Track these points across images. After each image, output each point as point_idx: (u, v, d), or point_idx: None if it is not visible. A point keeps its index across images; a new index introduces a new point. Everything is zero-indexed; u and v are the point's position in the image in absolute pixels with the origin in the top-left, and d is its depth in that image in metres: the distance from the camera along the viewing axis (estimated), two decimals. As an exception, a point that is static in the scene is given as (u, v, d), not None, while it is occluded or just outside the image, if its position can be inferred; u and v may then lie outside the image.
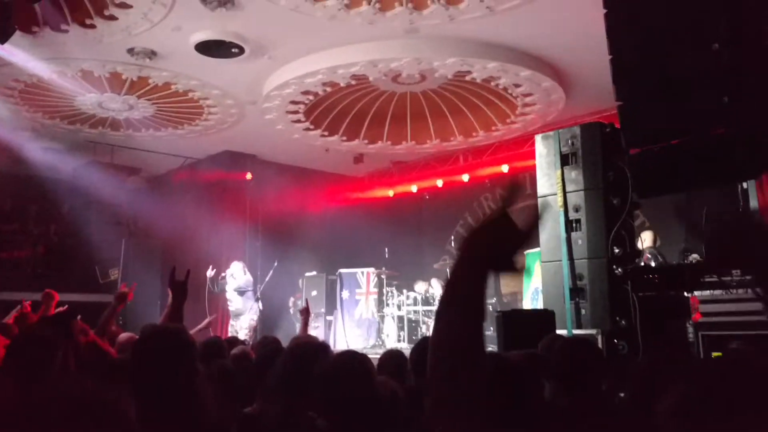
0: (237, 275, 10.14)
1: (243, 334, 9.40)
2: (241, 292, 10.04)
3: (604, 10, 5.15)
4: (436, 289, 10.96)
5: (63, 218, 12.47)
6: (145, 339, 2.65)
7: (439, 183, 12.51)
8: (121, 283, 11.45)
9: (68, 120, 10.56)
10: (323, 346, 3.05)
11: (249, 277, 10.26)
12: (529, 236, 1.23)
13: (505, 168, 11.34)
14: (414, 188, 12.93)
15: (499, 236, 1.23)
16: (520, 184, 1.30)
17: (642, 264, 7.09)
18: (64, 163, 11.55)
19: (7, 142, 10.23)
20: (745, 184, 6.61)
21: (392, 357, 4.02)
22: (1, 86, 9.10)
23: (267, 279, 10.26)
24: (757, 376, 1.06)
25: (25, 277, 11.69)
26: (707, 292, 5.28)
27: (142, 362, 2.41)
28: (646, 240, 8.13)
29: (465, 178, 12.00)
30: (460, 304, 1.21)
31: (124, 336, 4.77)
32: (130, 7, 7.18)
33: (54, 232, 12.74)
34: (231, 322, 10.13)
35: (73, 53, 8.18)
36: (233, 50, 8.17)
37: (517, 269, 1.25)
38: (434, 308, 10.47)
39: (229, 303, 10.16)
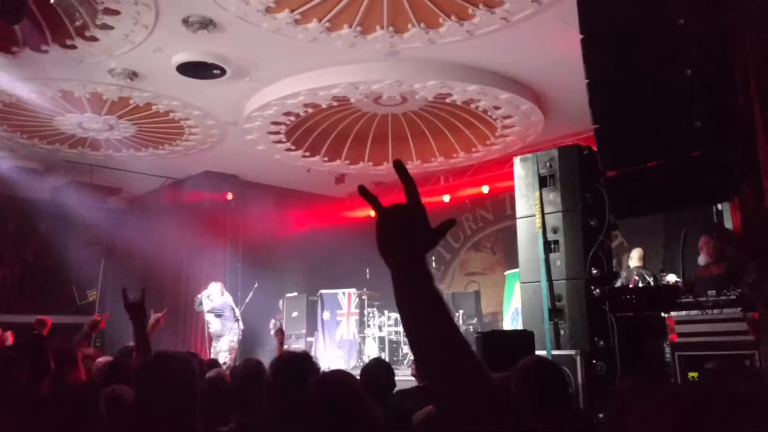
0: (214, 296, 10.08)
1: (223, 357, 9.32)
2: (218, 314, 9.96)
3: (581, 36, 5.27)
4: None
5: (41, 239, 12.32)
6: (153, 371, 2.52)
7: (421, 203, 12.53)
8: (98, 304, 11.36)
9: (47, 140, 10.49)
10: (306, 357, 3.06)
11: (227, 299, 10.20)
12: (420, 206, 1.19)
13: (485, 189, 11.44)
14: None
15: (400, 219, 1.19)
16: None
17: (624, 284, 7.18)
18: (43, 183, 11.46)
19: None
20: (719, 206, 6.73)
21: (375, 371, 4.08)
22: (-20, 106, 9.04)
23: (247, 300, 10.20)
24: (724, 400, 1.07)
25: (2, 299, 11.53)
26: (683, 313, 5.34)
27: (146, 396, 2.41)
28: (633, 258, 8.20)
29: (446, 198, 12.07)
30: (419, 298, 1.15)
31: (101, 360, 4.73)
32: (112, 28, 7.19)
33: (31, 253, 12.58)
34: (213, 344, 10.05)
35: (54, 73, 8.16)
36: (215, 71, 8.20)
37: (442, 233, 1.20)
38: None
39: (208, 325, 10.08)
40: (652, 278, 7.50)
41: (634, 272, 7.91)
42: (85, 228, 11.74)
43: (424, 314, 1.14)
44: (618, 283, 6.49)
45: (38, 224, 12.30)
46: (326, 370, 3.00)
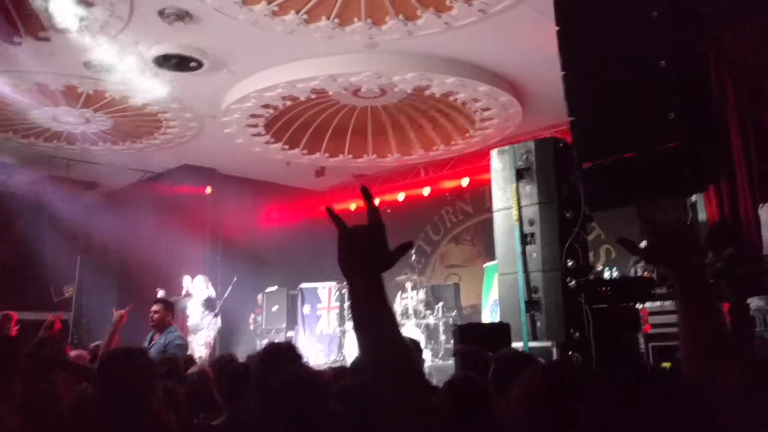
0: (200, 289, 10.00)
1: (199, 351, 9.25)
2: (209, 304, 9.90)
3: (557, 28, 5.29)
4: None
5: (16, 234, 12.16)
6: (106, 360, 2.70)
7: (401, 196, 12.57)
8: (75, 300, 11.25)
9: (22, 133, 10.34)
10: (290, 347, 3.07)
11: (212, 291, 10.14)
12: (380, 229, 1.28)
13: (465, 181, 11.47)
14: (376, 201, 12.94)
15: (363, 240, 1.28)
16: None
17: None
18: (18, 177, 11.30)
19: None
20: (693, 197, 6.81)
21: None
22: (-48, 100, 8.89)
23: (226, 295, 10.15)
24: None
25: (-25, 295, 11.36)
26: (657, 304, 5.39)
27: (104, 383, 2.53)
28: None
29: (426, 191, 12.09)
30: (366, 316, 1.26)
31: (74, 353, 4.69)
32: (87, 20, 7.08)
33: (7, 248, 12.41)
34: (189, 337, 9.97)
35: (27, 66, 8.03)
36: (192, 64, 8.13)
37: (398, 255, 1.31)
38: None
39: (187, 318, 10.01)
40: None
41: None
42: (62, 223, 11.59)
43: (369, 331, 1.26)
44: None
45: (14, 219, 12.13)
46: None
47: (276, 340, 10.07)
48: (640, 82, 4.85)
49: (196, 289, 10.02)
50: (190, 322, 9.95)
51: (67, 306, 11.28)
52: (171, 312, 6.09)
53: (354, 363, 3.79)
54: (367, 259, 1.26)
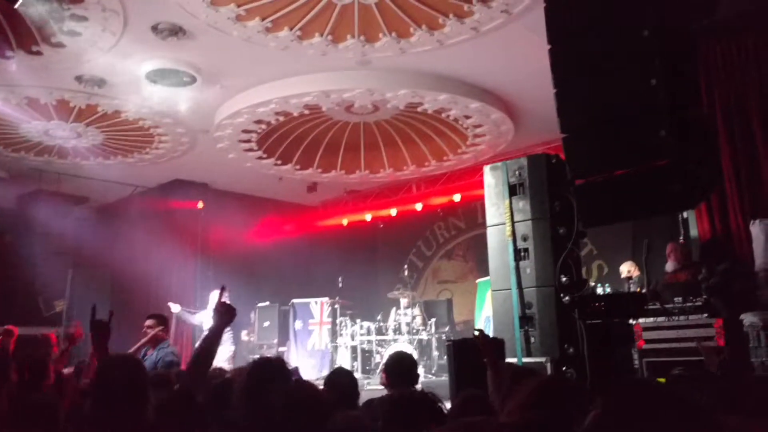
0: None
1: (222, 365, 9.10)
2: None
3: (549, 46, 5.33)
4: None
5: (5, 248, 12.06)
6: (102, 370, 2.71)
7: (393, 212, 12.58)
8: (65, 315, 11.13)
9: (12, 147, 10.29)
10: (280, 363, 3.04)
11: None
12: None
13: (457, 197, 11.49)
14: (368, 217, 12.97)
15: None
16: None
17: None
18: (8, 191, 11.23)
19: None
20: (685, 214, 6.85)
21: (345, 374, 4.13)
22: (-57, 113, 8.83)
23: (192, 320, 10.02)
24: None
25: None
26: (651, 320, 5.41)
27: (99, 391, 2.56)
28: (630, 271, 8.16)
29: (418, 207, 12.11)
30: None
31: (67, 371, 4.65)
32: (79, 34, 7.09)
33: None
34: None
35: (19, 80, 8.01)
36: (185, 79, 8.14)
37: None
38: (387, 338, 10.45)
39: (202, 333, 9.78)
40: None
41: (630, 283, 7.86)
42: (52, 237, 11.51)
43: None
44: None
45: (3, 233, 12.04)
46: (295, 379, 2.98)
47: (264, 356, 9.97)
48: (632, 100, 4.89)
49: (213, 303, 9.80)
50: None
51: (58, 321, 11.18)
52: (165, 326, 6.04)
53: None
54: None
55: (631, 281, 7.53)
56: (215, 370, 5.30)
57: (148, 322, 5.97)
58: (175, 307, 9.26)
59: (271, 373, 2.78)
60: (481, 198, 7.94)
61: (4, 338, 5.87)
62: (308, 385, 2.63)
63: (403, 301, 10.78)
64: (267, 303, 11.82)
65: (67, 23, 6.83)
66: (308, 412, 2.28)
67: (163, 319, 6.13)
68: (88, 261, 11.99)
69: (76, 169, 11.14)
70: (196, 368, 3.02)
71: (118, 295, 11.68)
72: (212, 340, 3.07)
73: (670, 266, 6.81)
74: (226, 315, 3.09)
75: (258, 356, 7.33)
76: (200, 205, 11.94)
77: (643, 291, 6.55)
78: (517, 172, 6.01)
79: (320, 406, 2.36)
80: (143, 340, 5.89)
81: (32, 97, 8.59)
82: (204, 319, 9.67)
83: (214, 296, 9.72)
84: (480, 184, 9.14)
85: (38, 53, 7.44)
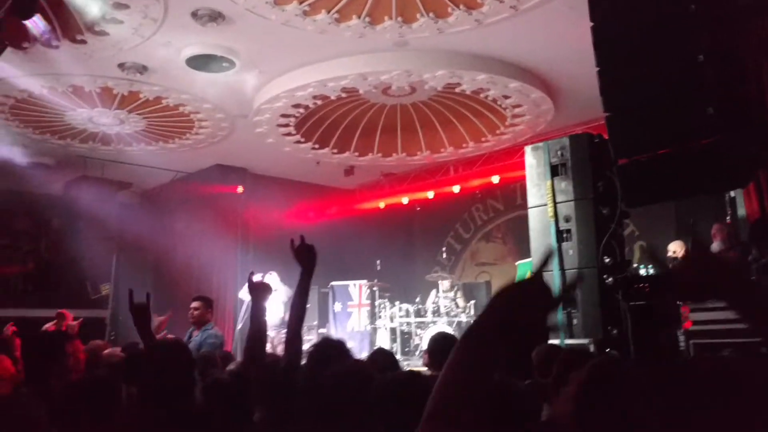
0: (277, 287, 9.96)
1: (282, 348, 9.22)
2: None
3: (591, 23, 5.24)
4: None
5: (53, 234, 12.41)
6: (151, 352, 2.83)
7: (430, 194, 12.55)
8: (111, 299, 11.41)
9: (59, 135, 10.54)
10: (341, 345, 3.09)
11: (287, 288, 10.04)
12: (558, 302, 1.24)
13: (495, 179, 11.41)
14: (405, 200, 12.97)
15: (530, 298, 1.21)
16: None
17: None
18: (55, 178, 11.52)
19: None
20: (732, 193, 6.70)
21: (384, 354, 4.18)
22: (-8, 102, 9.09)
23: (240, 295, 10.19)
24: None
25: (15, 294, 11.62)
26: (697, 300, 5.31)
27: (148, 374, 2.63)
28: (676, 252, 8.05)
29: (456, 189, 12.05)
30: (472, 363, 1.21)
31: (108, 351, 4.76)
32: (121, 22, 7.21)
33: (44, 248, 12.68)
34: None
35: (64, 69, 8.18)
36: (224, 64, 8.21)
37: (548, 335, 1.26)
38: (426, 320, 10.48)
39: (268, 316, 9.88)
40: None
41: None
42: (97, 222, 11.80)
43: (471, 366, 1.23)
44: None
45: (51, 219, 12.39)
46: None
47: (305, 338, 10.08)
48: (678, 77, 4.79)
49: (275, 286, 9.86)
50: (271, 320, 9.81)
51: (104, 304, 11.49)
52: (211, 309, 6.16)
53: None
54: (527, 317, 1.21)
55: (676, 261, 7.39)
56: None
57: (195, 304, 6.10)
58: (243, 293, 9.43)
59: (332, 353, 2.83)
60: (520, 179, 7.90)
61: (58, 321, 6.07)
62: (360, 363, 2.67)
63: (444, 284, 10.78)
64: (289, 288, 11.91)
65: (110, 11, 6.94)
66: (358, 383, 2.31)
67: (209, 302, 6.26)
68: (131, 245, 12.26)
69: (120, 156, 11.37)
70: (249, 351, 3.10)
71: (161, 278, 11.94)
72: (256, 321, 3.14)
73: (716, 246, 6.69)
74: (261, 291, 3.19)
75: (319, 338, 7.42)
76: (240, 189, 12.07)
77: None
78: (559, 152, 5.94)
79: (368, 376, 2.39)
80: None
81: (77, 85, 8.77)
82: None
83: (272, 279, 9.86)
84: (519, 166, 9.10)
85: (82, 42, 7.58)
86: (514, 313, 1.20)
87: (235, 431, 2.85)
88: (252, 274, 3.33)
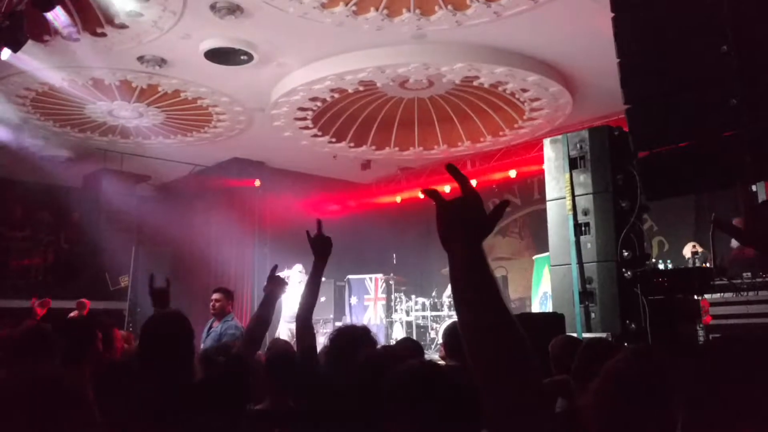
0: (301, 280, 9.98)
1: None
2: None
3: (612, 14, 5.18)
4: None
5: (73, 226, 12.54)
6: (148, 322, 2.81)
7: (447, 189, 12.49)
8: (130, 290, 11.51)
9: (79, 128, 10.64)
10: (365, 331, 3.10)
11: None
12: (475, 198, 1.27)
13: (512, 173, 11.35)
14: (421, 194, 12.92)
15: (459, 208, 1.27)
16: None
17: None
18: (75, 171, 11.64)
19: (19, 149, 10.32)
20: (754, 186, 6.60)
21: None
22: (13, 95, 9.18)
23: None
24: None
25: (35, 285, 11.76)
26: (718, 295, 5.26)
27: (147, 339, 2.65)
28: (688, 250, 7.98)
29: (473, 183, 11.97)
30: (471, 283, 1.23)
31: (123, 333, 4.83)
32: (141, 15, 7.25)
33: (64, 240, 12.83)
34: (288, 325, 9.81)
35: (84, 61, 8.25)
36: (242, 57, 8.24)
37: (497, 217, 1.29)
38: (442, 313, 10.47)
39: (287, 305, 9.94)
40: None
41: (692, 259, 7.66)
42: (117, 215, 11.90)
43: (470, 300, 1.23)
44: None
45: (71, 212, 12.51)
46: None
47: (321, 331, 10.12)
48: (700, 68, 4.71)
49: (294, 278, 9.91)
50: (288, 312, 9.85)
51: (123, 295, 11.58)
52: (231, 300, 6.19)
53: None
54: (467, 226, 1.26)
55: (696, 256, 7.34)
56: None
57: (215, 296, 6.13)
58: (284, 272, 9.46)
59: (356, 340, 2.83)
60: (538, 174, 7.87)
61: (78, 309, 6.18)
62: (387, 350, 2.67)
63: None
64: (323, 279, 11.91)
65: (130, 4, 6.98)
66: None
67: (229, 293, 6.30)
68: (150, 238, 12.36)
69: (138, 149, 11.46)
70: (250, 332, 3.14)
71: (179, 270, 11.99)
72: (264, 308, 3.26)
73: (737, 241, 6.58)
74: (278, 284, 3.32)
75: (343, 324, 7.42)
76: (257, 183, 12.12)
77: (709, 266, 6.36)
78: (578, 145, 5.88)
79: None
80: None
81: (97, 78, 8.84)
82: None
83: (295, 270, 9.90)
84: (536, 160, 9.05)
85: (102, 35, 7.64)
86: (460, 221, 1.26)
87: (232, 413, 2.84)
88: (276, 267, 3.40)
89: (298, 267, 10.08)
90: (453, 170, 1.31)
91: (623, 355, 1.46)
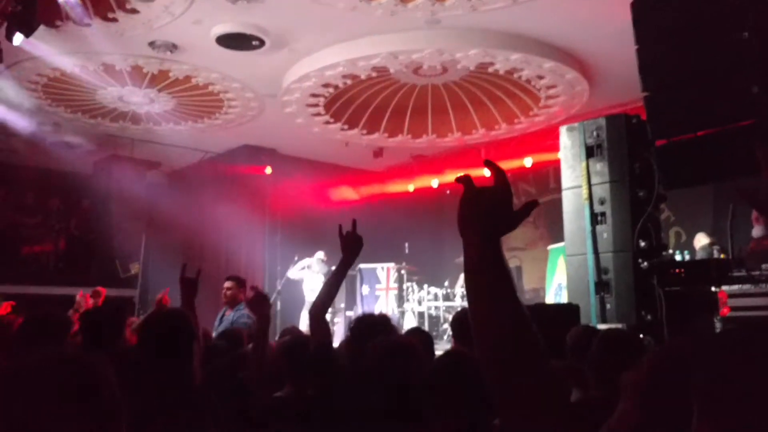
0: (316, 266, 9.97)
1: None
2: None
3: (631, 0, 5.06)
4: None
5: (84, 212, 12.57)
6: (147, 321, 2.79)
7: (461, 178, 12.40)
8: (141, 277, 11.54)
9: (90, 114, 10.62)
10: (385, 320, 3.05)
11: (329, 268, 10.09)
12: (506, 191, 1.22)
13: (528, 161, 11.22)
14: (434, 183, 12.85)
15: (486, 199, 1.22)
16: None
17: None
18: (85, 157, 11.63)
19: (30, 136, 10.33)
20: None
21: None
22: (25, 80, 9.16)
23: (287, 274, 10.22)
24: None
25: (46, 272, 11.81)
26: (736, 287, 5.15)
27: (144, 341, 2.62)
28: (703, 239, 7.85)
29: (487, 172, 11.86)
30: (485, 277, 1.18)
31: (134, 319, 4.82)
32: (152, 0, 7.18)
33: (75, 227, 12.85)
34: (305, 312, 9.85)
35: (96, 47, 8.20)
36: (253, 43, 8.15)
37: (524, 216, 1.23)
38: (454, 304, 10.40)
39: (309, 293, 9.95)
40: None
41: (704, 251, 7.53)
42: (127, 202, 11.91)
43: (484, 296, 1.18)
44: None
45: (81, 198, 12.53)
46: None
47: (335, 320, 10.10)
48: (720, 55, 4.61)
49: (317, 263, 9.88)
50: (310, 297, 9.85)
51: (134, 283, 11.60)
52: (243, 288, 6.17)
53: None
54: (488, 218, 1.20)
55: (714, 247, 7.21)
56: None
57: (227, 284, 6.12)
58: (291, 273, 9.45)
59: (376, 327, 2.80)
60: (553, 162, 7.75)
61: (94, 298, 6.20)
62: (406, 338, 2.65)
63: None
64: (333, 268, 11.91)
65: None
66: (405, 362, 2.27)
67: (241, 281, 6.28)
68: (160, 225, 12.36)
69: (149, 135, 11.43)
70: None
71: (189, 258, 12.00)
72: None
73: (757, 232, 6.47)
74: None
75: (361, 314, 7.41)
76: (268, 170, 12.07)
77: (727, 257, 6.24)
78: (594, 133, 5.78)
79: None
80: None
81: (108, 64, 8.79)
82: (306, 278, 9.81)
83: (317, 257, 9.88)
84: (552, 148, 8.92)
85: (114, 20, 7.58)
86: (483, 216, 1.20)
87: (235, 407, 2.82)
88: (185, 266, 3.46)
89: (320, 254, 10.06)
90: (491, 164, 1.27)
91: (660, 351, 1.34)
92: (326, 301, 3.20)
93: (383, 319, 2.98)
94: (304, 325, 9.27)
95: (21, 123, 9.87)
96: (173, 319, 2.64)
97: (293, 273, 10.02)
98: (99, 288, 8.54)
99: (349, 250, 3.16)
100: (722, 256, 6.58)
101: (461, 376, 1.96)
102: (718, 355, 0.98)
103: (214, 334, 5.45)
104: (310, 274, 10.08)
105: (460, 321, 4.20)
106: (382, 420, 2.17)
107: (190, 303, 3.41)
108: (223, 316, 6.06)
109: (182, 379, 2.47)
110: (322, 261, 9.90)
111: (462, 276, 10.80)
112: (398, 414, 2.14)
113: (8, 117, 9.77)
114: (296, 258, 10.42)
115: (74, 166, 11.74)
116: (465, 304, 9.90)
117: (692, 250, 7.80)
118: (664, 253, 5.92)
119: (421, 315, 10.83)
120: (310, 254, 11.09)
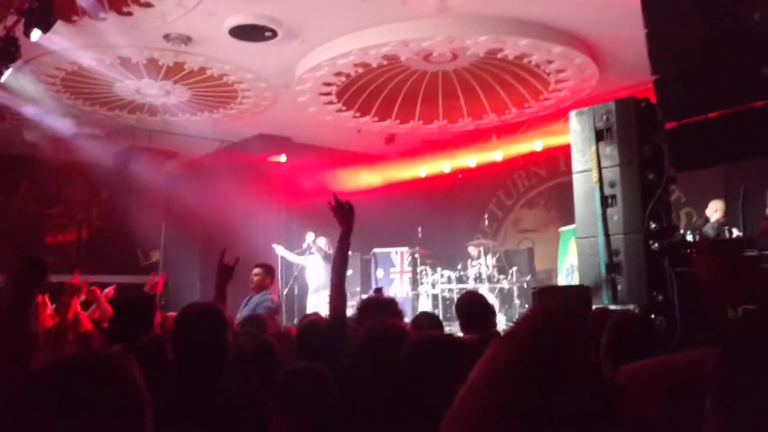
0: (324, 249, 10.10)
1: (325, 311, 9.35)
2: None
3: (639, -17, 5.10)
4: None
5: (104, 202, 12.78)
6: (185, 315, 2.79)
7: (472, 162, 12.50)
8: (161, 265, 11.75)
9: (108, 106, 10.79)
10: (392, 302, 3.15)
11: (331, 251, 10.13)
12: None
13: (538, 145, 11.29)
14: (446, 167, 12.94)
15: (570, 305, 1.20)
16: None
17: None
18: (105, 148, 11.82)
19: (51, 129, 10.52)
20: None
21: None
22: (44, 74, 9.33)
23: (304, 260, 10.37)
24: None
25: (70, 260, 12.03)
26: (747, 266, 5.24)
27: (181, 335, 2.64)
28: (715, 210, 7.87)
29: (498, 156, 11.97)
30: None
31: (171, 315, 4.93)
32: (166, -7, 7.30)
33: (96, 216, 13.08)
34: (315, 297, 9.94)
35: (111, 41, 8.34)
36: (266, 34, 8.26)
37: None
38: (468, 286, 10.53)
39: (310, 278, 10.05)
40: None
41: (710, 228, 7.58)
42: (146, 192, 12.10)
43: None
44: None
45: (101, 189, 12.74)
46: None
47: (349, 304, 10.23)
48: (731, 36, 4.65)
49: (321, 248, 9.95)
50: (314, 282, 9.95)
51: (155, 270, 11.81)
52: (270, 276, 6.35)
53: None
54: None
55: (725, 228, 7.28)
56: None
57: (256, 271, 6.31)
58: (279, 249, 9.59)
59: (381, 309, 2.90)
60: (563, 146, 7.81)
61: (150, 288, 6.33)
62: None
63: (474, 252, 10.82)
64: (348, 252, 12.03)
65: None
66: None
67: (269, 269, 6.46)
68: (179, 214, 12.54)
69: (166, 126, 11.60)
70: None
71: (208, 246, 12.19)
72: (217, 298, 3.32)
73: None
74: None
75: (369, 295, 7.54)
76: (283, 158, 12.21)
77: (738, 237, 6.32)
78: (604, 117, 5.83)
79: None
80: None
81: (124, 57, 8.94)
82: (309, 263, 9.95)
83: (320, 242, 10.03)
84: (562, 131, 8.99)
85: (128, 14, 7.71)
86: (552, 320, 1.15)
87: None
88: (224, 252, 3.66)
89: (324, 240, 10.18)
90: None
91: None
92: (342, 273, 3.33)
93: (390, 302, 3.10)
94: (310, 308, 9.44)
95: (42, 117, 10.06)
96: (209, 319, 2.66)
97: (293, 257, 10.16)
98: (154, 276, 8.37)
99: (344, 220, 3.42)
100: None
101: (438, 360, 1.98)
102: (737, 360, 1.06)
103: (238, 316, 5.65)
104: (312, 259, 10.17)
105: (468, 303, 4.31)
106: (367, 403, 2.25)
107: (223, 289, 3.53)
108: (249, 299, 6.26)
109: (214, 377, 2.52)
110: (321, 248, 10.00)
111: (470, 261, 10.95)
112: (379, 396, 2.20)
113: (29, 111, 9.97)
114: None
115: (94, 157, 11.93)
116: (479, 286, 10.04)
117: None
118: (675, 234, 5.99)
119: (435, 298, 10.98)
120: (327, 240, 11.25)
